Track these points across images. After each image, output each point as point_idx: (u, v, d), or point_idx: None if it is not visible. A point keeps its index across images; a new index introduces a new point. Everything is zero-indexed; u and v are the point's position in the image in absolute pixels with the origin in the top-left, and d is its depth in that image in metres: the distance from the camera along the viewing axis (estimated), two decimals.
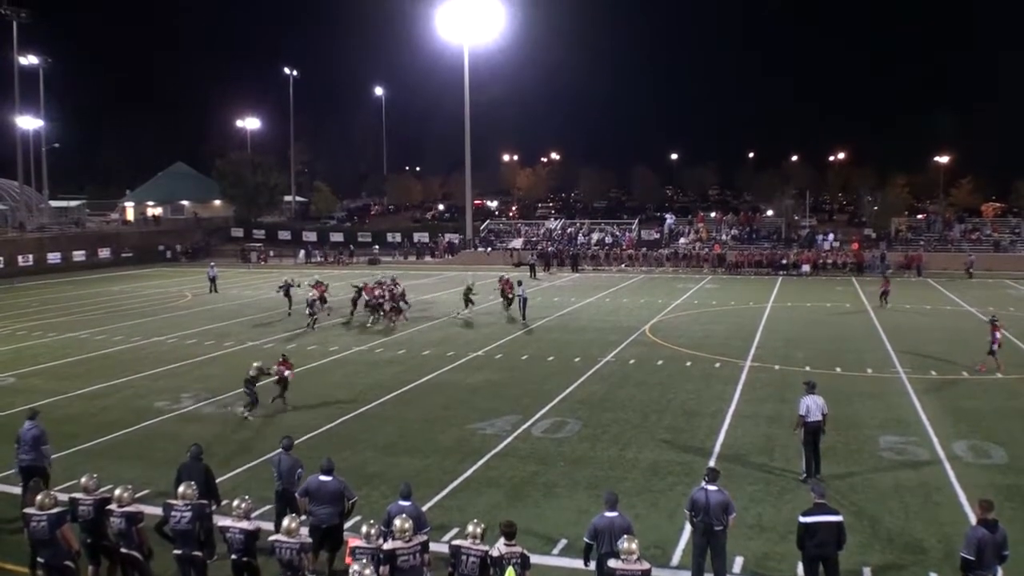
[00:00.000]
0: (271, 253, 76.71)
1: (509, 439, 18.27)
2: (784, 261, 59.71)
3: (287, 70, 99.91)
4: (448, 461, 16.79)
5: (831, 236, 68.44)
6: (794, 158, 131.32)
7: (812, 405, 15.53)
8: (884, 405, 21.05)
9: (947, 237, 66.89)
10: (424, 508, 12.42)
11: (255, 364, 20.82)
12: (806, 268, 58.03)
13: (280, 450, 13.14)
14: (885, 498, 14.65)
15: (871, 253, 61.37)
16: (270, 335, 32.56)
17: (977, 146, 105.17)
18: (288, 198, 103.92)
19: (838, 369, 25.15)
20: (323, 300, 35.86)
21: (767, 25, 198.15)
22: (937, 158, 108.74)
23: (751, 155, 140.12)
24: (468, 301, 37.32)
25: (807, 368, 24.95)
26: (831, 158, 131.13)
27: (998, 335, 24.91)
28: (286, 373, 21.18)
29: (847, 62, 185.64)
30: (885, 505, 14.32)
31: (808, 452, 15.57)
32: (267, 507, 13.39)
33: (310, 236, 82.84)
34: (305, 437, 18.22)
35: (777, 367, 25.67)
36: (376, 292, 36.15)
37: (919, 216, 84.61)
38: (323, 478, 11.80)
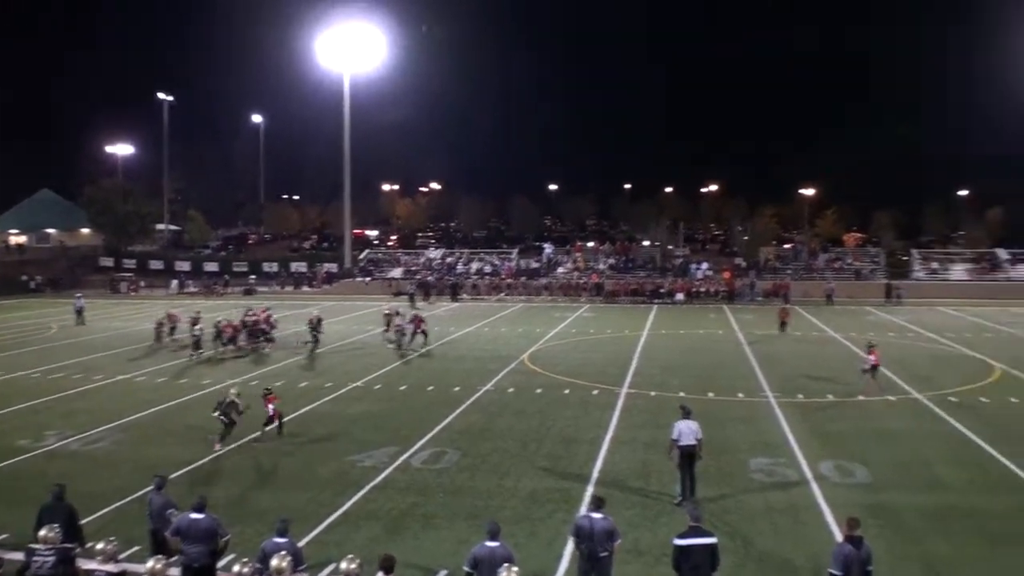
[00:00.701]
0: (142, 283, 74.21)
1: (388, 471, 18.07)
2: (660, 290, 61.08)
3: (161, 95, 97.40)
4: (326, 494, 16.49)
5: (704, 265, 70.37)
6: (668, 189, 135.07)
7: (685, 429, 15.89)
8: (755, 429, 21.69)
9: (812, 266, 69.61)
10: (301, 544, 12.15)
11: (232, 391, 20.58)
12: (680, 296, 59.48)
13: (152, 488, 12.70)
14: (756, 519, 15.07)
15: (742, 281, 63.33)
16: (142, 368, 31.46)
17: (840, 179, 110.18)
18: (161, 227, 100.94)
19: (711, 394, 25.80)
20: (172, 329, 36.13)
21: (643, 60, 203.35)
22: (803, 190, 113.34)
23: (627, 186, 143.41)
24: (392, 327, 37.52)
25: (682, 394, 25.47)
26: (703, 190, 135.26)
27: (872, 358, 26.25)
28: (269, 408, 20.68)
29: (719, 96, 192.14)
30: (756, 526, 14.72)
31: (683, 475, 15.89)
32: (135, 548, 12.89)
33: (183, 266, 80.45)
34: (179, 473, 17.62)
35: (653, 393, 26.17)
36: (259, 316, 37.00)
37: (786, 246, 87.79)
38: (194, 516, 11.42)
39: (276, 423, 20.82)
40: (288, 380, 28.72)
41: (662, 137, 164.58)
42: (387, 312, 39.70)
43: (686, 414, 16.35)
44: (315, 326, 35.54)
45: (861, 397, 25.37)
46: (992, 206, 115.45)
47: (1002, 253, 70.21)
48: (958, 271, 68.58)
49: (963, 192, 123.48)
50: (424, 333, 36.53)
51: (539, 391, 26.71)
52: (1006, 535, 14.37)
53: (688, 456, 15.84)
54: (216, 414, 20.08)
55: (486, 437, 20.96)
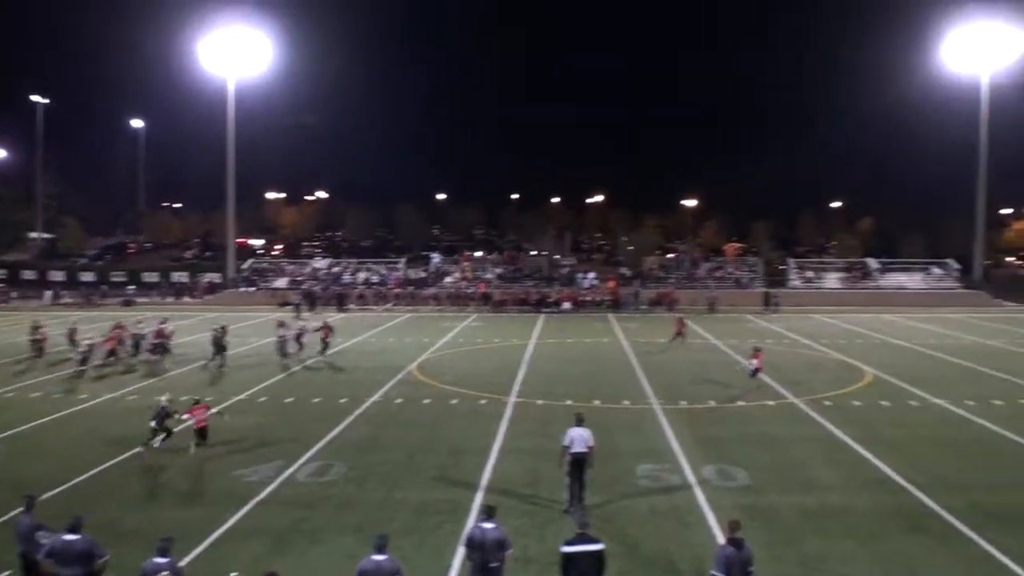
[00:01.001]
0: (13, 294, 71.12)
1: (273, 485, 17.75)
2: (547, 299, 61.64)
3: (35, 98, 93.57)
4: (209, 511, 16.08)
5: (590, 275, 71.38)
6: (555, 200, 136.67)
7: (577, 436, 16.07)
8: (640, 435, 22.09)
9: (694, 275, 71.35)
10: (183, 563, 11.84)
11: (163, 399, 20.75)
12: (567, 306, 60.14)
13: (21, 510, 12.19)
14: (642, 524, 15.35)
15: (626, 291, 64.47)
16: (15, 383, 30.08)
17: (720, 191, 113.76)
18: (33, 235, 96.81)
19: (597, 402, 26.14)
20: (37, 343, 34.76)
21: (532, 72, 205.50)
22: (685, 202, 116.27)
23: (515, 197, 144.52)
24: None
25: (568, 402, 25.78)
26: (589, 200, 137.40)
27: (755, 362, 28.41)
28: (186, 418, 20.64)
29: (605, 108, 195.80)
30: (642, 530, 15.00)
31: (573, 482, 16.08)
32: (5, 573, 12.35)
33: (58, 276, 77.51)
34: (55, 492, 16.96)
35: (540, 402, 26.39)
36: (125, 333, 35.53)
37: (669, 255, 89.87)
38: (69, 537, 10.99)
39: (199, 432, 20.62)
40: (170, 394, 27.84)
41: (550, 148, 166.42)
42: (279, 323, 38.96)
43: (579, 421, 16.53)
44: (219, 338, 34.26)
45: (741, 403, 26.15)
46: (862, 217, 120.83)
47: (872, 262, 73.43)
48: (831, 280, 71.39)
49: (835, 204, 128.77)
50: (326, 345, 35.90)
51: (427, 401, 26.65)
52: (876, 532, 15.01)
53: (579, 463, 16.03)
54: (152, 424, 19.83)
55: (373, 449, 20.79)
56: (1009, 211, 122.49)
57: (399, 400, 26.86)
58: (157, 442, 19.75)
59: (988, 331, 46.85)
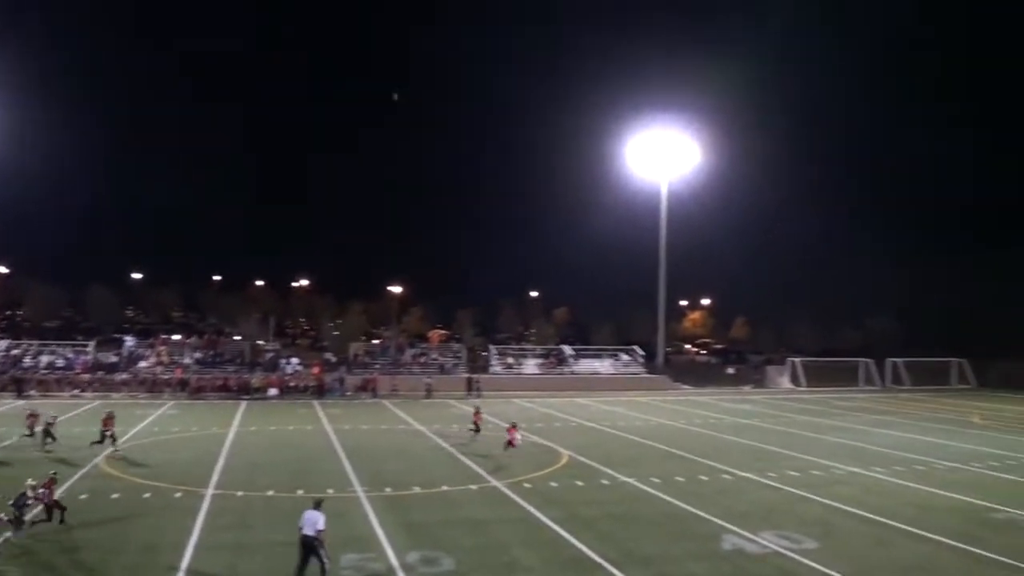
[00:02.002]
0: None
1: None
2: (250, 385, 59.72)
3: None
4: None
5: (294, 360, 70.07)
6: (259, 283, 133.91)
7: (308, 519, 16.51)
8: (345, 524, 21.70)
9: (400, 361, 71.94)
10: None
11: (29, 483, 20.53)
12: (273, 392, 58.58)
13: None
14: None
15: (331, 376, 63.83)
16: None
17: (424, 278, 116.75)
18: None
19: (300, 492, 25.48)
20: None
21: (240, 147, 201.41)
22: (391, 288, 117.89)
23: (216, 278, 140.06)
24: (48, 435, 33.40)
25: (271, 492, 25.02)
26: (294, 284, 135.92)
27: (507, 436, 32.11)
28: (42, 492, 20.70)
29: (312, 191, 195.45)
30: None
31: (300, 564, 16.30)
32: None
33: None
34: None
35: (240, 493, 25.36)
36: None
37: (375, 341, 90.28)
38: None
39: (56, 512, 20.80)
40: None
41: (252, 229, 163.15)
42: (30, 413, 35.18)
43: (316, 504, 17.08)
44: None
45: (445, 487, 26.48)
46: (558, 306, 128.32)
47: (567, 349, 77.62)
48: (530, 365, 74.54)
49: (534, 293, 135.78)
50: (112, 437, 32.92)
51: (116, 496, 24.81)
52: None
53: (304, 546, 16.24)
54: (11, 505, 19.72)
55: (53, 552, 19.01)
56: (686, 303, 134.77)
57: (84, 496, 24.80)
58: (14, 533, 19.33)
59: (670, 413, 50.62)
